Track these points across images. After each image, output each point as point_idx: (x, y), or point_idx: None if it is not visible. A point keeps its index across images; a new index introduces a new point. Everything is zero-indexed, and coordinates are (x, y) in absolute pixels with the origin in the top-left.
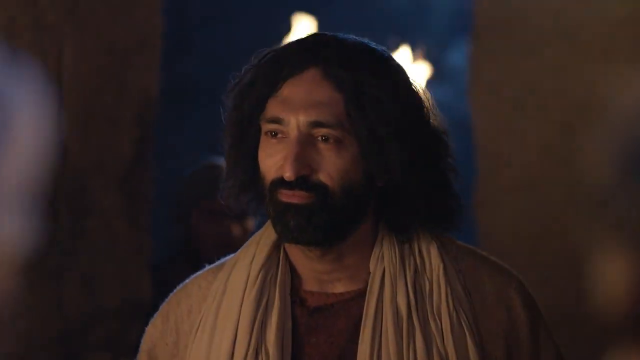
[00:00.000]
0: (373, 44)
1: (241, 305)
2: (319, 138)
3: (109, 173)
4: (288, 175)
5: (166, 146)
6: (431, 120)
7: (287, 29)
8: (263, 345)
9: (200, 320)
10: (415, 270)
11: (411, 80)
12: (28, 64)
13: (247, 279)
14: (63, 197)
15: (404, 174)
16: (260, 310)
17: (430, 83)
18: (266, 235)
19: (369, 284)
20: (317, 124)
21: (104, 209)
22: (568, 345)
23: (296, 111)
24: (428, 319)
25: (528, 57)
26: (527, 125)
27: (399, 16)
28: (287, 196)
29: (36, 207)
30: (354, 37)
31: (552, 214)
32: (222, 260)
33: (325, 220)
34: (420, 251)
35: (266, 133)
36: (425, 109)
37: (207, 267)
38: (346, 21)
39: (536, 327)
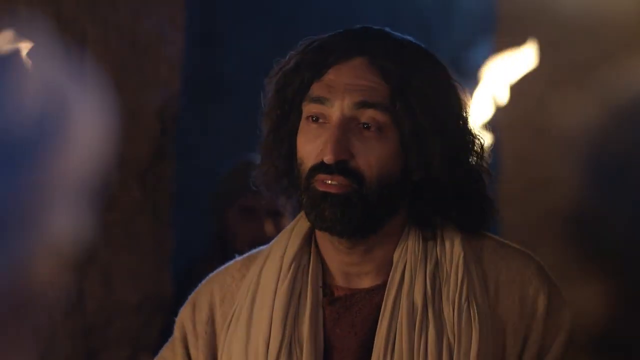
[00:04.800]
0: (417, 42)
1: (274, 298)
2: (362, 125)
3: (130, 168)
4: (328, 157)
5: (191, 141)
6: (469, 120)
7: (315, 25)
8: (296, 339)
9: (234, 312)
10: (436, 262)
11: (453, 79)
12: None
13: (280, 271)
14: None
15: (442, 169)
16: (293, 303)
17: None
18: (298, 227)
19: (390, 275)
20: (362, 104)
21: (124, 204)
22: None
23: (342, 93)
24: (442, 307)
25: (550, 54)
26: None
27: (423, 16)
28: (325, 185)
29: (88, 203)
30: (399, 33)
31: None
32: (253, 251)
33: (359, 212)
34: (443, 241)
35: (307, 118)
36: (464, 109)
37: (238, 258)
38: (370, 20)
39: (552, 312)
